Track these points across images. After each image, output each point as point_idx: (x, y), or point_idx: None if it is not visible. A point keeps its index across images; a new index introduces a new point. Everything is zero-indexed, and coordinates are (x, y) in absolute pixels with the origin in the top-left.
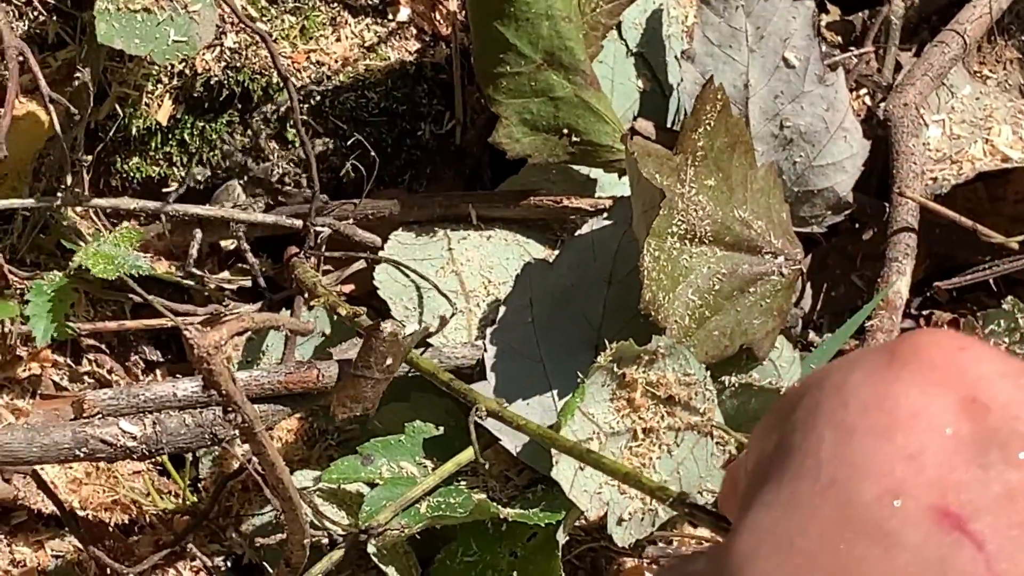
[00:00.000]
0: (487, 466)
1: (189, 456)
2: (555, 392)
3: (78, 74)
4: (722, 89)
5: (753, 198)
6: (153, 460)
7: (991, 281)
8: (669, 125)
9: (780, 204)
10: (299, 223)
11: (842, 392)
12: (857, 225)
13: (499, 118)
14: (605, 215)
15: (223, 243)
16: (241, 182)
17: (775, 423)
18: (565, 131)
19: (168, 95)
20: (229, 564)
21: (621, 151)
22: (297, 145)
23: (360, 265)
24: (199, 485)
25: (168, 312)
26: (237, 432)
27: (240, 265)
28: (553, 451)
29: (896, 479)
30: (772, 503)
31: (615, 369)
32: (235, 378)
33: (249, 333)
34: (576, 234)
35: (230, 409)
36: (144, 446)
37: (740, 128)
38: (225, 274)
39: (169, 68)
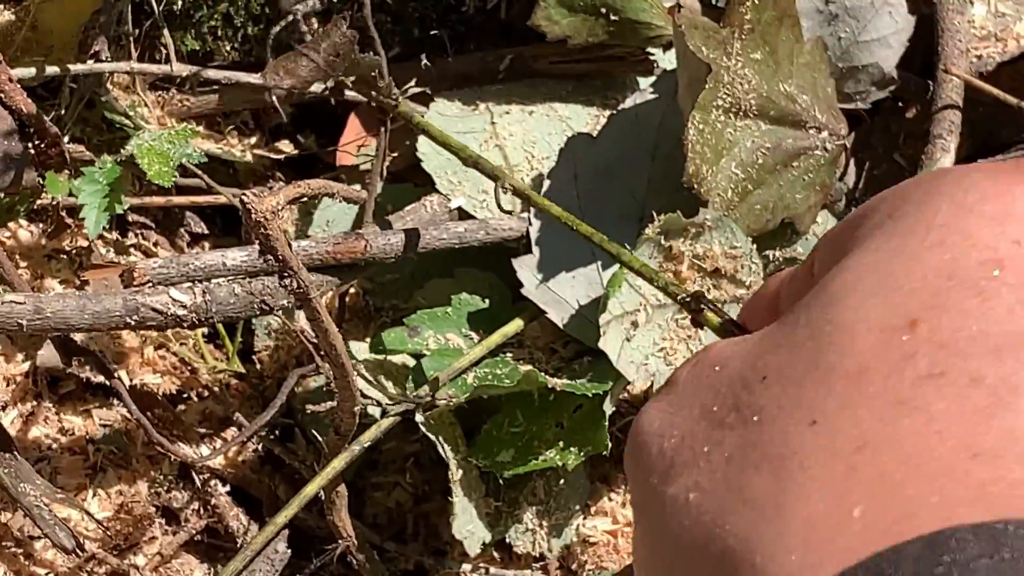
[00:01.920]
0: (533, 338)
1: (240, 327)
2: (599, 264)
3: None
4: None
5: (799, 72)
6: (204, 332)
7: None
8: (714, 2)
9: (825, 79)
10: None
11: (963, 182)
12: (900, 103)
13: (537, 1)
14: (650, 87)
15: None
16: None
17: (867, 210)
18: (603, 10)
19: None
20: (277, 433)
21: (661, 28)
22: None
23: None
24: (254, 356)
25: (216, 187)
26: (289, 300)
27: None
28: (601, 320)
29: (1000, 255)
30: (877, 249)
31: (662, 241)
32: (291, 244)
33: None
34: (620, 108)
35: (286, 274)
36: (194, 314)
37: (788, 2)
38: (273, 144)
39: None
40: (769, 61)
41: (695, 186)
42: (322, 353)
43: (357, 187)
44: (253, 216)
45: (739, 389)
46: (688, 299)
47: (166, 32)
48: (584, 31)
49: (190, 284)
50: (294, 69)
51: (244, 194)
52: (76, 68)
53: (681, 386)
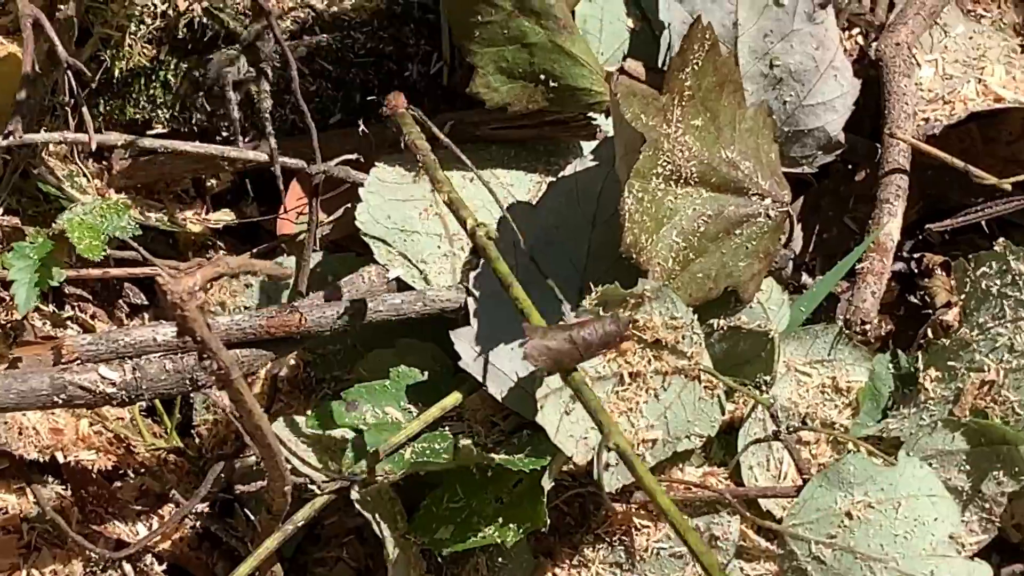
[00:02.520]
0: (473, 411)
1: (178, 401)
2: None
3: (60, 8)
4: (710, 28)
5: (741, 138)
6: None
7: (983, 223)
8: (660, 65)
9: (769, 144)
10: (294, 161)
11: None
12: (850, 167)
13: (475, 68)
14: (590, 154)
15: (211, 183)
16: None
17: None
18: (542, 77)
19: (151, 36)
20: (217, 509)
21: (601, 94)
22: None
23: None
24: (192, 431)
25: (151, 259)
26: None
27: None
28: (538, 393)
29: None
30: None
31: (601, 313)
32: (209, 324)
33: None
34: (560, 175)
35: (205, 356)
36: (124, 392)
37: (729, 67)
38: (213, 214)
39: (152, 8)
40: (710, 127)
41: (634, 256)
42: (248, 432)
43: (282, 260)
44: (169, 298)
45: None
46: None
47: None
48: (524, 98)
49: (120, 360)
50: (556, 354)
51: (159, 275)
52: (5, 141)
53: None
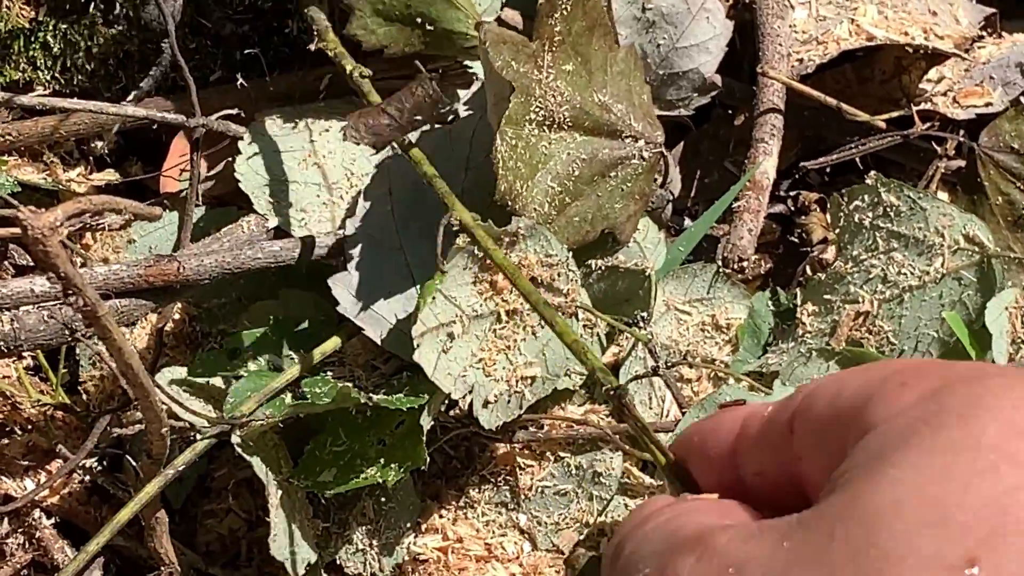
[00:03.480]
0: (354, 356)
1: (62, 357)
2: (415, 277)
3: None
4: None
5: (613, 81)
6: (27, 364)
7: (858, 161)
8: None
9: (641, 87)
10: (174, 116)
11: (1009, 395)
12: (729, 111)
13: (353, 10)
14: (463, 104)
15: (94, 144)
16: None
17: (874, 390)
18: (418, 20)
19: None
20: (105, 464)
21: (476, 38)
22: (164, 45)
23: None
24: (79, 387)
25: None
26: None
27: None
28: (414, 332)
29: None
30: (918, 466)
31: (475, 251)
32: (73, 260)
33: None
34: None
35: (70, 292)
36: (3, 343)
37: (599, 11)
38: (97, 174)
39: None
40: (582, 72)
41: (509, 203)
42: (122, 372)
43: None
44: (30, 233)
45: None
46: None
47: None
48: (401, 41)
49: None
50: (375, 127)
51: (20, 210)
52: None
53: None
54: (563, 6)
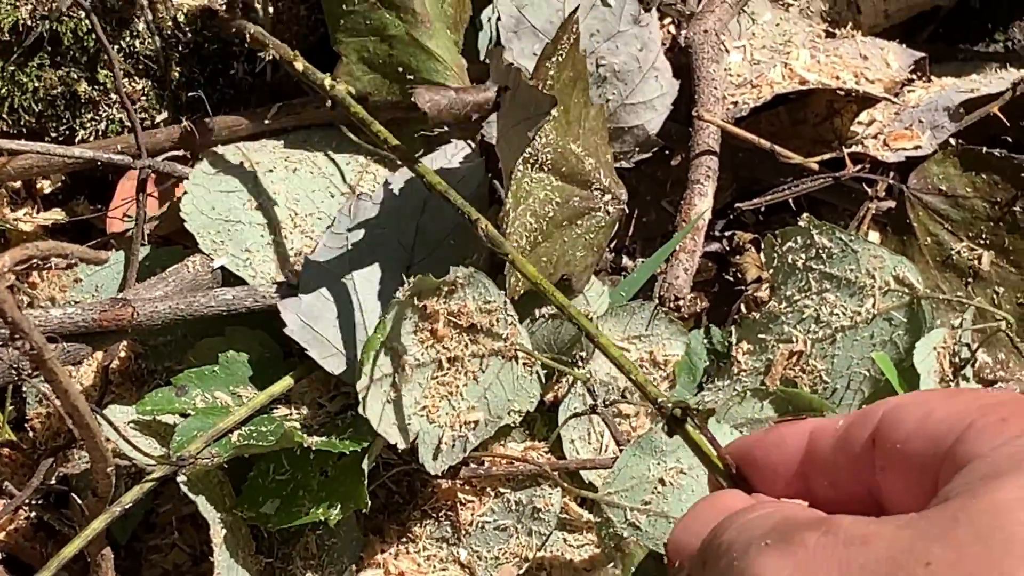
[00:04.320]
0: (300, 394)
1: (8, 395)
2: (360, 303)
3: None
4: (577, 21)
5: (586, 136)
6: None
7: (792, 202)
8: (482, 58)
9: (607, 145)
10: (120, 157)
11: None
12: (666, 152)
13: (340, 57)
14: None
15: (41, 184)
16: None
17: (968, 420)
18: (400, 69)
19: None
20: (52, 500)
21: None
22: (111, 86)
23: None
24: (26, 424)
25: None
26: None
27: (59, 209)
28: (358, 386)
29: None
30: None
31: (415, 302)
32: (20, 302)
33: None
34: (393, 175)
35: (16, 336)
36: None
37: (583, 65)
38: (44, 213)
39: None
40: (564, 119)
41: (503, 224)
42: (67, 413)
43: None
44: None
45: (894, 569)
46: (672, 411)
47: None
48: (383, 89)
49: None
50: (436, 102)
51: None
52: None
53: (811, 551)
54: (559, 52)
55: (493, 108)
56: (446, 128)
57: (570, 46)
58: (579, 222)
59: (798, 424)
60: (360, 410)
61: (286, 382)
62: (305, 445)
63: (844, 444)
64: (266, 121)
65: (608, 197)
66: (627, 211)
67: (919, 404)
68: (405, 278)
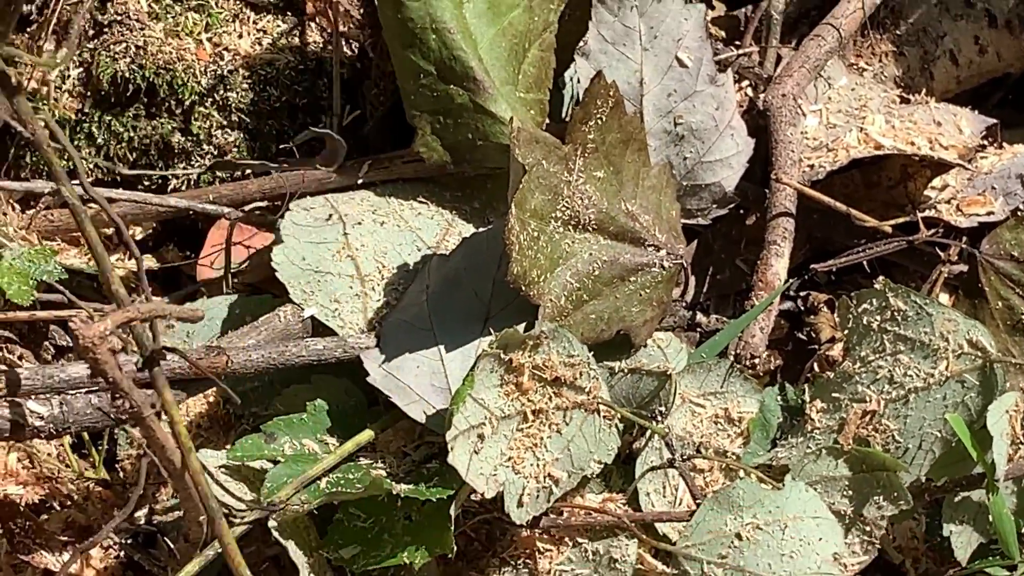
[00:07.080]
0: (386, 443)
1: (104, 436)
2: (442, 350)
3: None
4: (614, 86)
5: (643, 194)
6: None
7: (865, 263)
8: (564, 117)
9: (672, 202)
10: (213, 208)
11: None
12: (741, 211)
13: (416, 130)
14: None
15: (133, 231)
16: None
17: None
18: (469, 136)
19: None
20: (140, 540)
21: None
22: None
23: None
24: (116, 465)
25: (76, 302)
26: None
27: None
28: (447, 436)
29: None
30: None
31: (502, 355)
32: (120, 366)
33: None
34: (472, 232)
35: (117, 396)
36: (51, 425)
37: (635, 125)
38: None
39: (75, 62)
40: (613, 180)
41: (522, 288)
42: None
43: (195, 305)
44: (81, 342)
45: None
46: None
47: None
48: (457, 156)
49: (47, 396)
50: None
51: (72, 319)
52: None
53: None
54: (598, 116)
55: None
56: None
57: (611, 109)
58: (632, 279)
59: None
60: (449, 459)
61: (369, 433)
62: (394, 492)
63: None
64: (359, 179)
65: (663, 252)
66: (686, 266)
67: None
68: (485, 330)
